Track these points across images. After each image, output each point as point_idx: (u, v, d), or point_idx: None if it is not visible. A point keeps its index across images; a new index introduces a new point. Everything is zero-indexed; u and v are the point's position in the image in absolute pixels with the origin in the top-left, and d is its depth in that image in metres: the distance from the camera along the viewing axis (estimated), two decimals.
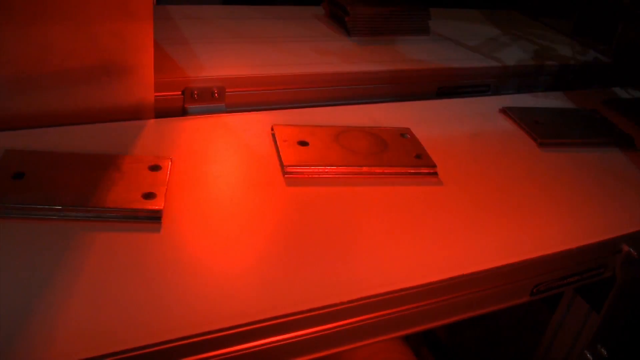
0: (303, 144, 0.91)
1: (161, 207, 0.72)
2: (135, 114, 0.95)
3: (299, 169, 0.86)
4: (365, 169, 0.88)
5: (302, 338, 0.64)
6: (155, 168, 0.80)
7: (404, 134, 0.99)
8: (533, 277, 0.79)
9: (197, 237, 0.71)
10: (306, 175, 0.86)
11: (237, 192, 0.82)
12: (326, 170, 0.87)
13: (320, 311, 0.63)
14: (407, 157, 0.92)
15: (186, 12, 1.38)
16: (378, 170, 0.89)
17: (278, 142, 0.91)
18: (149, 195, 0.73)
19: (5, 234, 0.66)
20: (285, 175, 0.85)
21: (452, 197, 0.87)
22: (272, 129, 0.96)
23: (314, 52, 1.25)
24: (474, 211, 0.84)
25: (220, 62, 1.13)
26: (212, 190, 0.80)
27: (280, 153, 0.89)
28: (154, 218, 0.71)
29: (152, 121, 0.96)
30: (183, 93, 1.05)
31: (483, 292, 0.75)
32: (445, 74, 1.27)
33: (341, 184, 0.86)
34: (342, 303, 0.64)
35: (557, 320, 1.06)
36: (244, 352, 0.61)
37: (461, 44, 1.44)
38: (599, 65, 1.52)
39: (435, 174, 0.91)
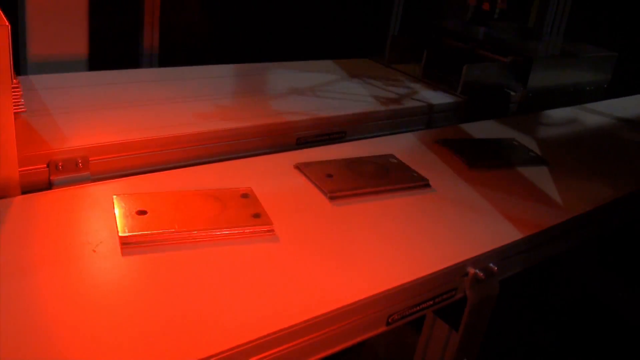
0: (141, 212, 0.93)
1: None
2: (1, 192, 0.95)
3: (135, 238, 0.87)
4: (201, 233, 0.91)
5: None
6: None
7: (245, 194, 1.03)
8: (387, 307, 0.87)
9: None
10: (144, 245, 0.87)
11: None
12: (163, 237, 0.88)
13: None
14: (244, 217, 0.96)
15: (49, 81, 1.40)
16: (216, 232, 0.91)
17: (117, 212, 0.92)
18: None
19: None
20: (123, 245, 0.86)
21: (289, 250, 0.92)
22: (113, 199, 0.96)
23: (177, 114, 1.30)
24: (317, 258, 0.90)
25: (83, 131, 1.16)
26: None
27: (118, 223, 0.89)
28: None
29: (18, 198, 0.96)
30: (48, 166, 1.07)
31: (338, 329, 0.81)
32: (303, 125, 1.35)
33: (180, 249, 0.88)
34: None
35: (423, 342, 1.14)
36: None
37: (317, 94, 1.53)
38: (449, 104, 1.65)
39: (271, 231, 0.95)
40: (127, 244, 0.86)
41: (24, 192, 0.99)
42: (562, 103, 1.91)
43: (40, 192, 1.00)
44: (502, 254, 1.03)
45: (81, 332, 0.69)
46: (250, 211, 0.98)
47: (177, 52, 2.08)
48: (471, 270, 0.97)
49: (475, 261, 0.98)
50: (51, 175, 1.07)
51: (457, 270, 0.96)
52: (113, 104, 1.31)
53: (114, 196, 0.96)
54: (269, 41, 2.27)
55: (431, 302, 0.94)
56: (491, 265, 1.00)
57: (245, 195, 1.02)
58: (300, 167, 1.16)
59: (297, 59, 1.80)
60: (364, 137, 1.43)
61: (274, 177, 1.13)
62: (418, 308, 0.92)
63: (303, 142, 1.35)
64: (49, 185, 1.07)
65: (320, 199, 1.07)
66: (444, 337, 1.09)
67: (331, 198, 1.07)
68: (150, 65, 2.00)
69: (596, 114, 1.88)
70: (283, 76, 1.63)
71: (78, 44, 1.78)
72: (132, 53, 2.00)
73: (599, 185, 1.34)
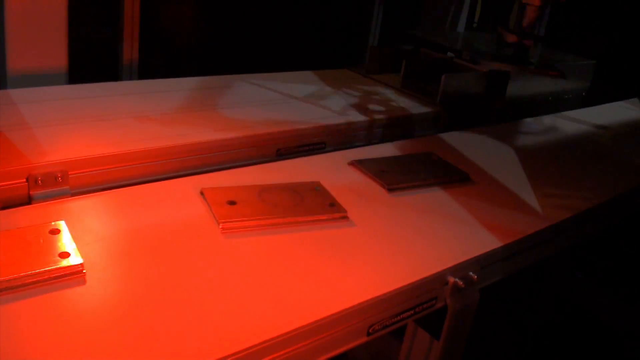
0: (232, 203, 1.02)
1: None
2: None
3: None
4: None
5: None
6: None
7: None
8: (367, 318, 0.87)
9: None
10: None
11: None
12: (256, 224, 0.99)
13: None
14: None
15: (28, 95, 1.39)
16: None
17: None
18: None
19: None
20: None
21: (268, 262, 0.94)
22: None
23: (156, 127, 1.30)
24: (294, 270, 0.91)
25: (63, 145, 1.16)
26: None
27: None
28: None
29: None
30: (27, 180, 1.06)
31: (318, 341, 0.81)
32: (283, 136, 1.36)
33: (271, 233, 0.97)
34: None
35: (405, 352, 1.14)
36: None
37: (297, 105, 1.54)
38: (428, 114, 1.67)
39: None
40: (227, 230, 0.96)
41: (2, 208, 0.98)
42: (542, 111, 1.93)
43: (20, 207, 0.99)
44: (481, 262, 1.04)
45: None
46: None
47: (157, 64, 2.08)
48: (451, 279, 0.98)
49: (455, 270, 0.99)
50: (30, 190, 1.07)
51: (437, 280, 0.96)
52: (92, 117, 1.31)
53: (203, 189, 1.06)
54: (249, 52, 2.27)
55: (412, 312, 0.95)
56: (471, 273, 1.01)
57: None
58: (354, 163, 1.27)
59: (277, 70, 1.80)
60: (345, 147, 1.44)
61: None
62: (399, 318, 0.93)
63: (283, 154, 1.35)
64: (28, 200, 1.07)
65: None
66: (426, 346, 1.09)
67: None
68: (130, 77, 2.00)
69: (574, 122, 1.91)
70: (263, 87, 1.63)
71: (57, 57, 1.78)
72: (112, 65, 2.00)
73: (578, 193, 1.36)
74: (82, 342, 0.69)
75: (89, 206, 1.00)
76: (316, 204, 1.07)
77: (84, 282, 0.80)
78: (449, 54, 1.96)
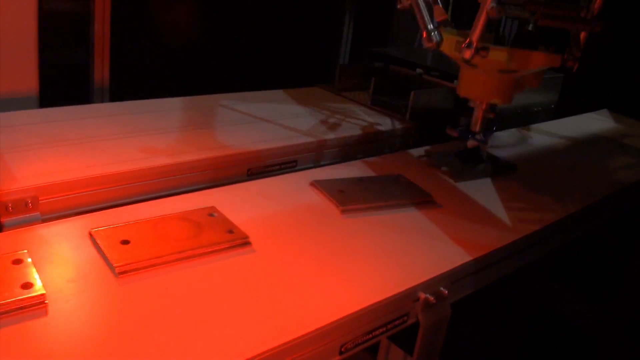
0: (125, 242, 0.95)
1: None
2: None
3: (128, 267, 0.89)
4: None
5: None
6: None
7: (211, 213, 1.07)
8: (339, 337, 0.88)
9: None
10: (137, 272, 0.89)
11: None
12: (151, 263, 0.91)
13: None
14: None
15: None
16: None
17: (100, 245, 0.94)
18: None
19: None
20: (118, 276, 0.88)
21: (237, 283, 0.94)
22: (90, 234, 0.98)
23: (127, 150, 1.30)
24: (265, 291, 0.91)
25: (33, 170, 1.15)
26: None
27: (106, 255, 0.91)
28: None
29: None
30: None
31: None
32: (253, 156, 1.36)
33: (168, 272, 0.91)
34: None
35: None
36: None
37: (268, 124, 1.55)
38: (398, 131, 1.68)
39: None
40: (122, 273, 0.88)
41: None
42: (511, 124, 1.96)
43: None
44: (451, 277, 1.05)
45: None
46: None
47: (128, 86, 2.08)
48: (422, 295, 0.99)
49: (426, 286, 1.00)
50: (1, 217, 1.06)
51: (408, 296, 0.98)
52: (63, 142, 1.31)
53: (92, 230, 0.97)
54: (221, 72, 2.28)
55: (384, 329, 0.96)
56: (442, 289, 1.02)
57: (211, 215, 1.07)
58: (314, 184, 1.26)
59: (248, 89, 1.81)
60: (317, 165, 1.45)
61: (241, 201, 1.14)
62: (371, 335, 0.94)
63: (254, 173, 1.36)
64: None
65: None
66: None
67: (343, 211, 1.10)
68: (102, 100, 2.00)
69: (543, 134, 1.94)
70: (234, 107, 1.64)
71: (28, 81, 1.77)
72: (83, 88, 1.99)
73: (547, 205, 1.38)
74: None
75: (57, 233, 0.99)
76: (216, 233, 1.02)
77: (46, 313, 0.79)
78: (418, 70, 1.98)
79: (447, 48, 1.32)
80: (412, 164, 1.49)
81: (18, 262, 0.85)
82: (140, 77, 2.13)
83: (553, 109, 2.29)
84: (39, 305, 0.79)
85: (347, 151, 1.55)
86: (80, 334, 0.76)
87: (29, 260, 0.87)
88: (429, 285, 1.01)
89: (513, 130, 1.91)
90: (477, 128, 1.43)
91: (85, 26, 1.96)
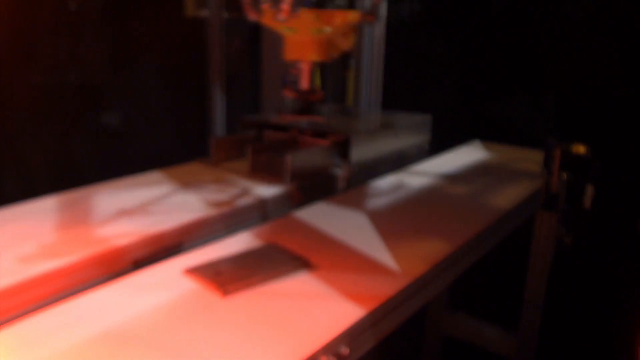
0: None
1: None
2: None
3: None
4: None
5: None
6: None
7: None
8: None
9: None
10: None
11: None
12: None
13: None
14: None
15: None
16: None
17: None
18: None
19: None
20: None
21: None
22: None
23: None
24: None
25: None
26: None
27: None
28: None
29: None
30: None
31: None
32: (136, 246, 1.32)
33: None
34: None
35: None
36: None
37: (148, 210, 1.52)
38: (280, 195, 1.70)
39: None
40: None
41: None
42: (390, 169, 2.02)
43: None
44: (351, 335, 1.06)
45: None
46: None
47: None
48: (323, 358, 0.99)
49: (326, 349, 1.00)
50: None
51: None
52: None
53: None
54: (92, 162, 2.22)
55: None
56: (342, 348, 1.03)
57: None
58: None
59: (124, 174, 1.78)
60: (204, 242, 1.43)
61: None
62: None
63: (141, 263, 1.32)
64: None
65: None
66: None
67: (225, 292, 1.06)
68: None
69: (421, 175, 2.01)
70: (109, 198, 1.60)
71: None
72: None
73: (433, 243, 1.42)
74: None
75: None
76: None
77: None
78: (291, 132, 2.01)
79: (268, 19, 1.54)
80: (297, 227, 1.50)
81: None
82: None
83: (428, 148, 2.38)
84: None
85: (232, 224, 1.54)
86: None
87: None
88: (329, 347, 1.01)
89: (390, 177, 1.97)
90: (307, 85, 1.61)
91: None
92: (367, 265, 1.31)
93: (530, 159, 2.22)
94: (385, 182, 1.92)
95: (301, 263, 1.28)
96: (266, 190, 1.69)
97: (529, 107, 2.60)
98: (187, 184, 1.73)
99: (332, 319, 1.07)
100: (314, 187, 1.77)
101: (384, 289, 1.19)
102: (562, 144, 1.64)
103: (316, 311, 1.10)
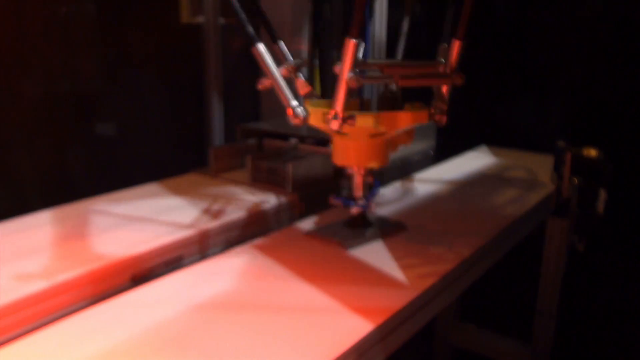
0: None
1: None
2: None
3: None
4: None
5: None
6: None
7: None
8: None
9: None
10: None
11: None
12: None
13: None
14: None
15: None
16: None
17: None
18: None
19: None
20: None
21: None
22: None
23: None
24: None
25: None
26: None
27: None
28: None
29: None
30: None
31: None
32: (135, 261, 1.27)
33: None
34: None
35: None
36: None
37: (147, 223, 1.47)
38: (283, 205, 1.65)
39: None
40: None
41: None
42: (393, 177, 1.97)
43: None
44: (358, 350, 1.01)
45: None
46: None
47: None
48: None
49: None
50: None
51: None
52: None
53: None
54: (87, 173, 2.17)
55: None
56: None
57: None
58: None
59: (120, 186, 1.73)
60: (204, 255, 1.39)
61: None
62: None
63: (139, 279, 1.27)
64: None
65: None
66: None
67: None
68: None
69: (426, 182, 1.96)
70: (108, 211, 1.55)
71: None
72: None
73: (441, 254, 1.37)
74: None
75: None
76: None
77: None
78: (292, 140, 1.97)
79: (315, 121, 1.32)
80: (301, 239, 1.44)
81: None
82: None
83: (433, 154, 2.34)
84: None
85: (233, 236, 1.49)
86: None
87: None
88: None
89: (395, 184, 1.92)
90: (360, 194, 1.41)
91: None
92: (373, 277, 1.25)
93: (539, 163, 2.17)
94: (390, 191, 1.87)
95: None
96: (268, 200, 1.64)
97: (537, 110, 2.55)
98: (185, 195, 1.69)
99: (339, 333, 1.02)
100: (316, 196, 1.72)
101: (392, 302, 1.14)
102: (573, 147, 1.59)
103: (323, 326, 1.05)
